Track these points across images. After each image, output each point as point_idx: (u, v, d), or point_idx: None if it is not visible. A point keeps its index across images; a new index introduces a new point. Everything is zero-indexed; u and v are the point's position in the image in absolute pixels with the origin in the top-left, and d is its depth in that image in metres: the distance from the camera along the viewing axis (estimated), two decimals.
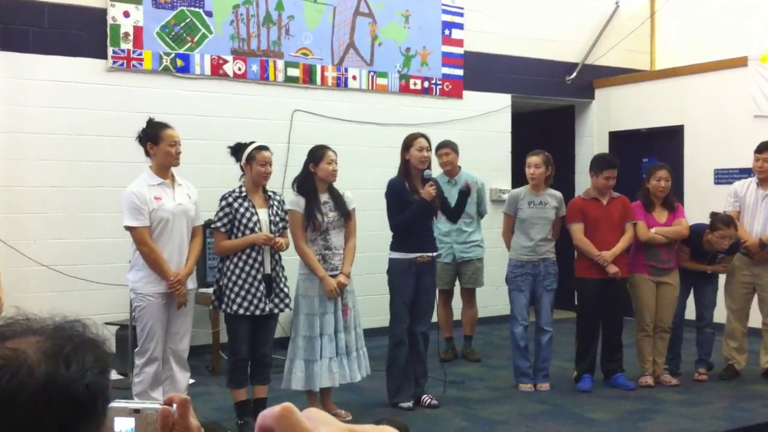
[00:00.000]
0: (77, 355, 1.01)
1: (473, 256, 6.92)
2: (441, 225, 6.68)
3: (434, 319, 5.76)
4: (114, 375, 5.65)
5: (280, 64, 7.49)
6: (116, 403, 1.07)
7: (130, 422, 1.06)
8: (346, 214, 5.11)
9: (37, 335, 1.02)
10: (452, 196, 5.77)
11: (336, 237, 5.08)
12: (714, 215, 5.95)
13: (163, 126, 4.72)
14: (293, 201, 5.04)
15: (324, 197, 5.07)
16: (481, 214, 7.03)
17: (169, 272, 4.60)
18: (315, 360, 4.93)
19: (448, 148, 6.76)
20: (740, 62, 8.03)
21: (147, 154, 4.73)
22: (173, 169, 4.77)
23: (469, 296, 7.10)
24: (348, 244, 5.15)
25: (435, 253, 5.48)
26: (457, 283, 7.03)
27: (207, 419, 4.61)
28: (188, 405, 1.09)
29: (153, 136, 4.67)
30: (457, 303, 7.11)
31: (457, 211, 5.66)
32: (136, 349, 4.73)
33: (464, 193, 5.60)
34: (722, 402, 5.56)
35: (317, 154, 5.08)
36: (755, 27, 8.31)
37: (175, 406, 1.08)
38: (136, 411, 1.07)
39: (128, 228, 4.62)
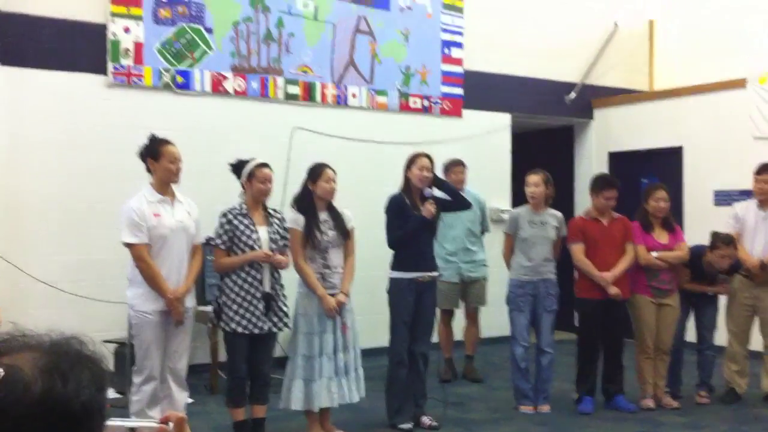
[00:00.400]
0: (74, 372, 1.00)
1: (479, 276, 6.92)
2: (447, 245, 6.67)
3: (434, 339, 5.71)
4: (112, 393, 5.59)
5: (280, 81, 7.49)
6: (112, 422, 1.05)
7: None
8: (345, 233, 5.09)
9: (34, 351, 1.00)
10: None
11: (335, 256, 5.05)
12: (714, 234, 5.94)
13: (165, 142, 4.70)
14: (293, 219, 5.02)
15: (323, 216, 5.05)
16: (483, 231, 7.03)
17: (167, 290, 4.55)
18: (314, 379, 4.89)
19: (461, 166, 6.82)
20: (739, 84, 8.05)
21: (148, 170, 4.71)
22: (174, 186, 4.75)
23: (473, 315, 7.07)
24: (347, 263, 5.12)
25: (435, 273, 5.46)
26: (460, 302, 6.99)
27: None
28: (185, 423, 1.08)
29: (154, 151, 4.65)
30: (456, 322, 7.07)
31: (456, 197, 5.52)
32: (134, 368, 4.68)
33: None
34: (724, 425, 5.52)
35: (316, 171, 5.07)
36: (753, 47, 8.34)
37: (171, 424, 1.07)
38: (132, 430, 1.05)
39: (126, 244, 4.58)
